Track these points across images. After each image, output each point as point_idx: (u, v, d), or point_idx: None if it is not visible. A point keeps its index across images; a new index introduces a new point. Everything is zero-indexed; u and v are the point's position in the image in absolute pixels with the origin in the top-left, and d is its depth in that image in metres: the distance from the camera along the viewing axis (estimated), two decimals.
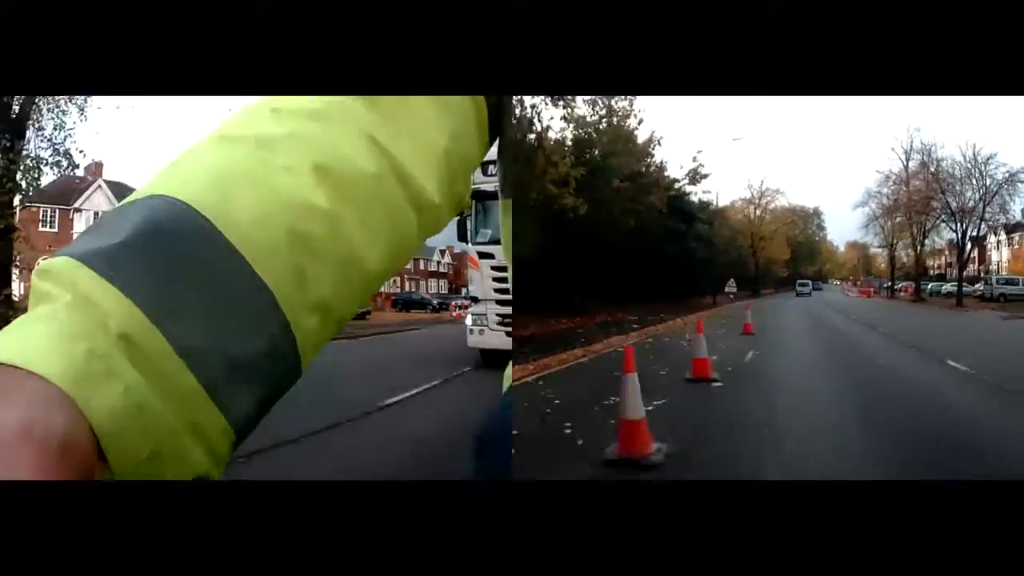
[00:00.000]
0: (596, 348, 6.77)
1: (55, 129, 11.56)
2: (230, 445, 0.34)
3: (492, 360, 9.67)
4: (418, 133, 0.43)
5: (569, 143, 12.03)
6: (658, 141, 14.48)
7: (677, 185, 16.14)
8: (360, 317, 24.94)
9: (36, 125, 11.36)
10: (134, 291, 0.30)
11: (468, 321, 10.11)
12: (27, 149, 11.23)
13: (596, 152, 12.53)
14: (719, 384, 4.40)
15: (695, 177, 16.15)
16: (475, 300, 10.00)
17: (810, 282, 25.66)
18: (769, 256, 24.99)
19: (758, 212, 24.87)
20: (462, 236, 9.90)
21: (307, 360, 0.37)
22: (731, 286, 17.32)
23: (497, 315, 9.51)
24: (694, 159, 17.19)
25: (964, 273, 16.57)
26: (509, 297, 8.82)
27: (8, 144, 10.45)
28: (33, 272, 0.32)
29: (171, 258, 0.32)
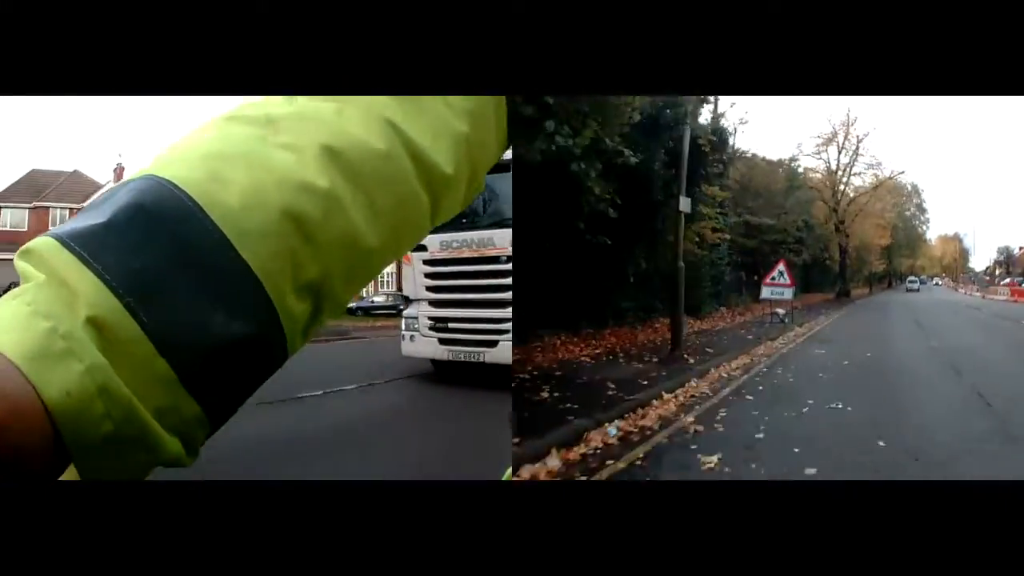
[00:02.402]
0: None
1: None
2: (205, 433, 0.33)
3: (447, 373, 7.88)
4: (437, 114, 0.42)
5: None
6: None
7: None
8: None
9: None
10: (110, 274, 0.30)
11: (402, 326, 8.14)
12: None
13: None
14: None
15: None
16: (407, 300, 8.13)
17: (918, 278, 20.17)
18: (862, 239, 14.41)
19: (844, 160, 13.14)
20: None
21: (297, 344, 0.36)
22: (777, 287, 6.39)
23: (429, 318, 7.59)
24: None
25: None
26: (444, 297, 7.37)
27: None
28: (16, 252, 0.32)
29: (152, 240, 0.31)
